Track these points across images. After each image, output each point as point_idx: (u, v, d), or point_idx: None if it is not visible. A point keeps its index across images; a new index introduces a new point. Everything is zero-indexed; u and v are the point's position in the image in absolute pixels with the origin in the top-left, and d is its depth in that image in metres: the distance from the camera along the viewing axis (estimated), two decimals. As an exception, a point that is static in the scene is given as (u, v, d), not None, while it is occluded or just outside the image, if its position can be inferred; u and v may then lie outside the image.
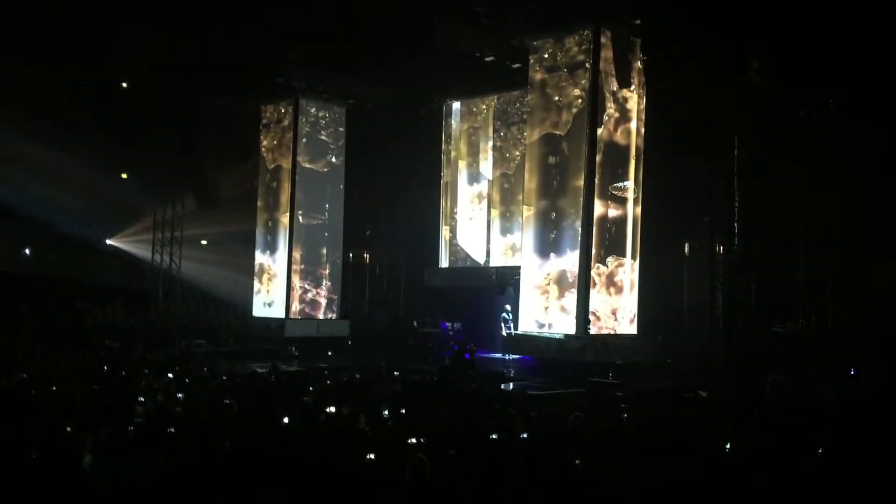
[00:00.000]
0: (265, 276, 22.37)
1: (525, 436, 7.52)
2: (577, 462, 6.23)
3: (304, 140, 21.91)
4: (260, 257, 22.59)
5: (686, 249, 17.48)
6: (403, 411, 8.79)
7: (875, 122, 14.22)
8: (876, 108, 14.30)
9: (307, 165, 21.96)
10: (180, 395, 9.35)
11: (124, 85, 21.47)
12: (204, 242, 25.72)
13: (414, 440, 7.17)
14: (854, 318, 14.11)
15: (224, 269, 24.66)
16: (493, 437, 7.42)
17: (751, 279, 16.60)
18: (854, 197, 14.34)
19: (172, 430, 7.24)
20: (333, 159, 22.49)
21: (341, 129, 22.61)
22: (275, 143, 22.48)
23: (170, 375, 12.02)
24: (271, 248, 22.25)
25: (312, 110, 22.12)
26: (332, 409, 8.57)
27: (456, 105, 21.84)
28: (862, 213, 14.25)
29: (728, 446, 7.41)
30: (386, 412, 8.67)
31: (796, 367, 12.96)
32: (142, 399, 8.76)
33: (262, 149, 22.74)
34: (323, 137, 22.33)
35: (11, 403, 8.66)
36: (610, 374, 14.39)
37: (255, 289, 22.62)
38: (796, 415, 9.58)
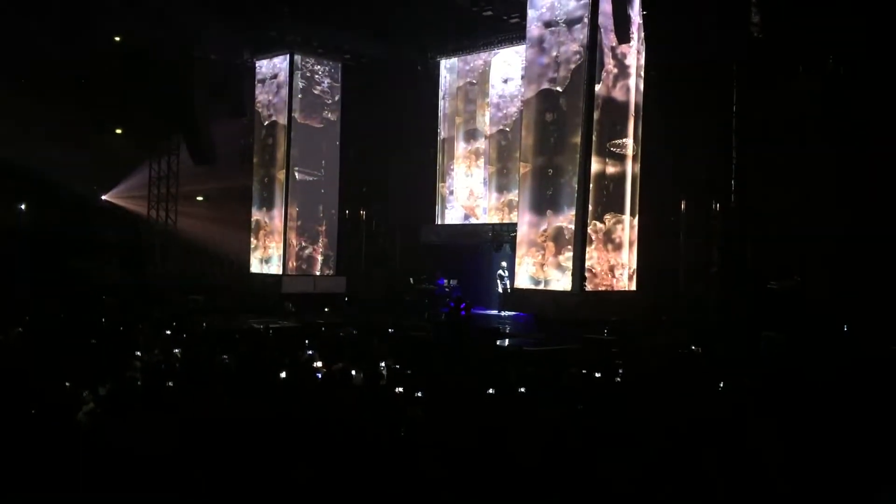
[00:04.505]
0: (262, 233, 22.37)
1: (522, 391, 7.57)
2: (579, 407, 6.32)
3: (300, 95, 21.73)
4: (256, 213, 22.57)
5: (683, 206, 17.45)
6: (399, 367, 8.84)
7: (875, 77, 14.11)
8: (877, 62, 14.18)
9: (303, 121, 21.81)
10: (177, 350, 9.37)
11: (117, 39, 21.20)
12: (200, 198, 25.63)
13: (410, 395, 7.23)
14: (849, 275, 14.14)
15: (220, 226, 24.62)
16: (490, 391, 7.48)
17: (747, 236, 16.60)
18: (854, 154, 14.26)
19: (171, 384, 7.28)
20: (329, 115, 22.33)
21: (337, 85, 22.42)
22: (270, 98, 22.30)
23: (167, 332, 12.05)
24: (267, 204, 22.21)
25: (308, 65, 21.91)
26: (329, 364, 8.61)
27: (453, 60, 21.61)
28: (862, 170, 14.18)
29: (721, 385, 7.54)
30: (383, 367, 8.71)
31: (791, 324, 13.01)
32: (139, 354, 8.78)
33: (258, 104, 22.59)
34: (318, 93, 22.15)
35: (8, 359, 8.69)
36: (605, 331, 14.46)
37: (252, 245, 22.63)
38: (790, 370, 9.65)
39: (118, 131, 24.41)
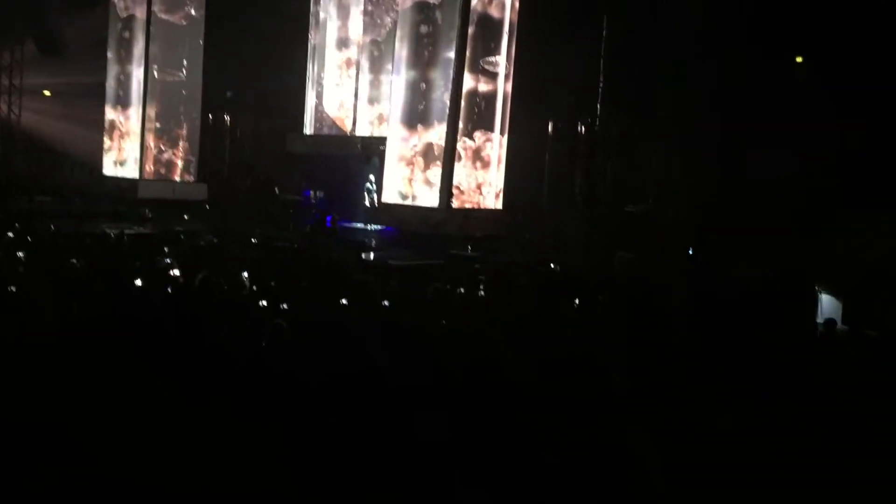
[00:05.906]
0: (116, 133, 21.13)
1: (386, 304, 7.62)
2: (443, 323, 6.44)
3: (161, -12, 20.37)
4: (110, 113, 21.25)
5: (550, 128, 17.77)
6: (262, 278, 8.69)
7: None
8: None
9: (163, 16, 20.50)
10: (21, 253, 8.81)
11: None
12: (47, 93, 23.82)
13: (274, 306, 7.14)
14: (698, 202, 14.89)
15: (70, 123, 23.05)
16: (344, 302, 7.49)
17: (609, 160, 17.17)
18: (712, 87, 14.84)
19: (13, 289, 6.86)
20: (193, 12, 21.05)
21: (202, -20, 21.14)
22: (128, -12, 20.80)
23: (9, 234, 11.31)
24: (123, 103, 20.93)
25: (170, -45, 20.51)
26: (188, 273, 8.34)
27: (327, -37, 20.75)
28: (717, 102, 14.80)
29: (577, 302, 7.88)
30: (245, 278, 8.53)
31: (643, 246, 13.66)
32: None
33: (114, -6, 21.04)
34: (181, -13, 20.84)
35: None
36: (469, 248, 14.73)
37: (106, 146, 21.38)
38: (639, 288, 10.19)
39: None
